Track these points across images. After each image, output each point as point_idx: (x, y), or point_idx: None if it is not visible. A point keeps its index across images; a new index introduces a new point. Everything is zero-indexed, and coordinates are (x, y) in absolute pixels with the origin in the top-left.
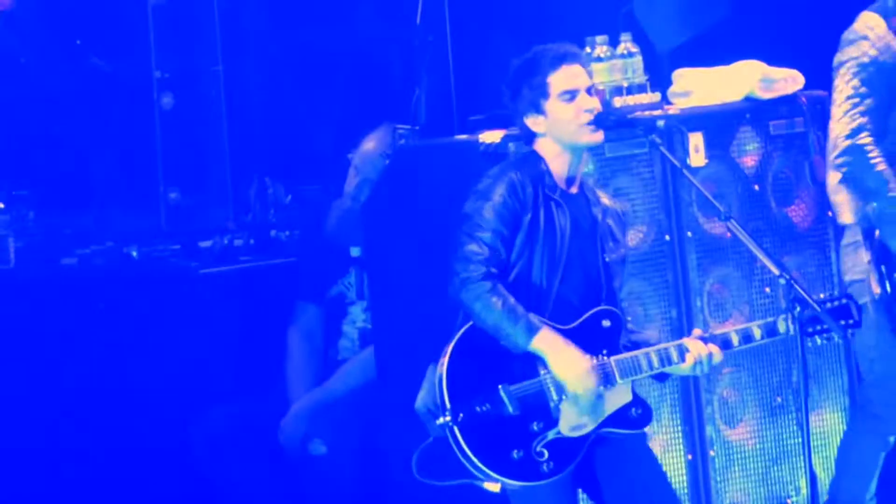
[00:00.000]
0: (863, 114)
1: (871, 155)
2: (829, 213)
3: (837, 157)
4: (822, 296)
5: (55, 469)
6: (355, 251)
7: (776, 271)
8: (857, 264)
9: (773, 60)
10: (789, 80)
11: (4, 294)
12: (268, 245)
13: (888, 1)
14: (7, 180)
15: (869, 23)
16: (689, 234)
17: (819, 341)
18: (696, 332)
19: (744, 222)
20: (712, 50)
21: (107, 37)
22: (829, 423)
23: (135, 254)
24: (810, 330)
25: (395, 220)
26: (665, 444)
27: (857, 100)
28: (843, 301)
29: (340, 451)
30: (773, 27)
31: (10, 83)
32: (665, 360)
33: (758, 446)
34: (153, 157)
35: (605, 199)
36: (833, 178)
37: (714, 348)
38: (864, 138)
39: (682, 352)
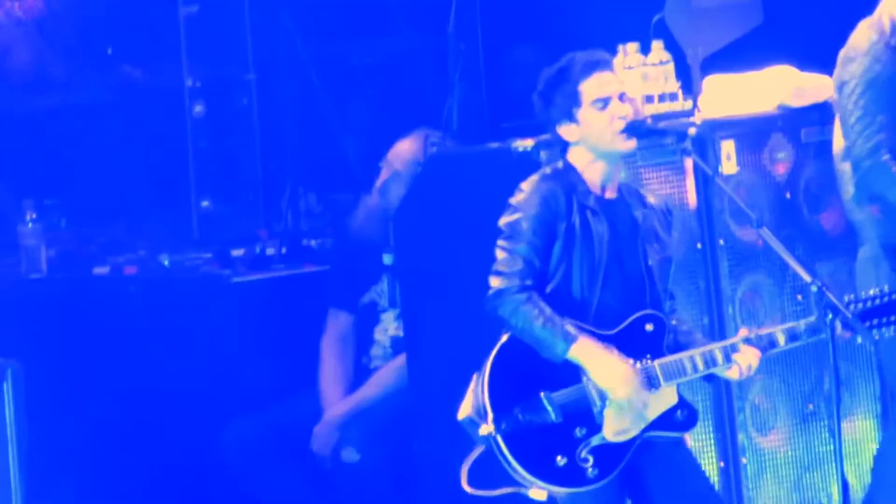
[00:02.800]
0: (877, 131)
1: (893, 171)
2: None
3: (861, 178)
4: (871, 292)
5: (91, 475)
6: (388, 259)
7: (808, 279)
8: (879, 279)
9: (804, 67)
10: (821, 87)
11: (37, 303)
12: (300, 253)
13: (882, 17)
14: (39, 189)
15: (870, 37)
16: (721, 241)
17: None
18: (743, 331)
19: (776, 230)
20: (744, 56)
21: (138, 46)
22: (861, 430)
23: (167, 262)
24: (875, 322)
25: (428, 227)
26: (697, 451)
27: (868, 119)
28: (894, 296)
29: (373, 458)
30: (804, 33)
31: (43, 92)
32: (710, 361)
33: (790, 453)
34: (185, 166)
35: (651, 198)
36: (853, 197)
37: (755, 352)
38: (884, 156)
39: (727, 353)
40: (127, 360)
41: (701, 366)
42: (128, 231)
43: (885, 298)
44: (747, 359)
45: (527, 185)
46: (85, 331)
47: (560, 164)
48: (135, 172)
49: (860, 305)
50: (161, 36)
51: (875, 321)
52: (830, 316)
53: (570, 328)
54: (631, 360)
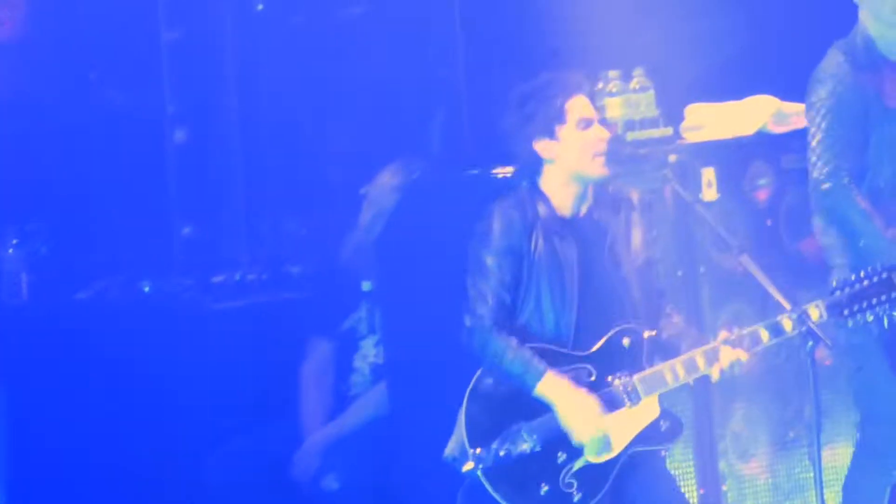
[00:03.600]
0: (837, 154)
1: (852, 194)
2: None
3: (821, 200)
4: (861, 273)
5: (71, 502)
6: (367, 286)
7: (788, 307)
8: None
9: (785, 95)
10: (801, 114)
11: (18, 329)
12: (281, 280)
13: (856, 37)
14: (20, 214)
15: (836, 59)
16: (702, 269)
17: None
18: (723, 334)
19: (756, 257)
20: (725, 84)
21: (121, 71)
22: (841, 458)
23: (147, 289)
24: (854, 309)
25: (408, 254)
26: (678, 478)
27: (829, 141)
28: (885, 275)
29: (353, 486)
30: (785, 61)
31: (25, 117)
32: (691, 369)
33: (770, 481)
34: (166, 192)
35: (624, 196)
36: (819, 221)
37: (741, 352)
38: (844, 178)
39: (709, 358)
40: (107, 386)
41: (682, 374)
42: (109, 257)
43: (875, 278)
44: (728, 357)
45: (489, 214)
46: (66, 357)
47: (524, 187)
48: (116, 198)
49: (848, 289)
50: (143, 61)
51: (866, 303)
52: (811, 343)
53: (538, 364)
54: (610, 378)
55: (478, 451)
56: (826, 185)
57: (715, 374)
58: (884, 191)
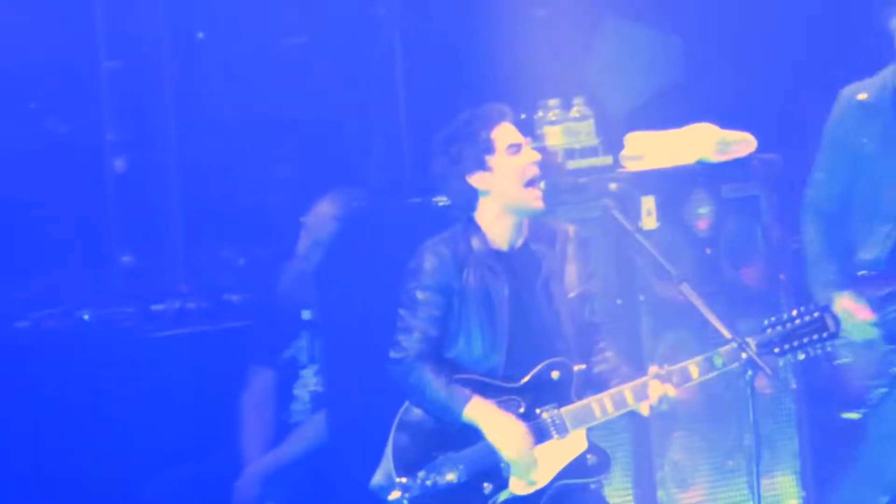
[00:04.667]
0: (815, 184)
1: (811, 224)
2: (781, 277)
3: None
4: (794, 312)
5: None
6: (307, 314)
7: (728, 335)
8: None
9: (726, 123)
10: (742, 143)
11: None
12: (220, 308)
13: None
14: None
15: (845, 94)
16: (642, 297)
17: (791, 359)
18: (653, 369)
19: (696, 286)
20: (665, 113)
21: (61, 100)
22: (780, 487)
23: (87, 317)
24: (786, 347)
25: (348, 282)
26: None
27: (816, 170)
28: (817, 314)
29: None
30: (725, 90)
31: None
32: (620, 403)
33: None
34: (105, 220)
35: (560, 229)
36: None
37: (669, 387)
38: (810, 210)
39: (637, 393)
40: (47, 415)
41: (611, 409)
42: (49, 286)
43: (807, 317)
44: (656, 391)
45: (420, 250)
46: (5, 386)
47: (460, 224)
48: (56, 227)
49: (780, 328)
50: (83, 90)
51: (797, 342)
52: (750, 373)
53: (462, 391)
54: (538, 410)
55: (404, 480)
56: (806, 198)
57: (644, 410)
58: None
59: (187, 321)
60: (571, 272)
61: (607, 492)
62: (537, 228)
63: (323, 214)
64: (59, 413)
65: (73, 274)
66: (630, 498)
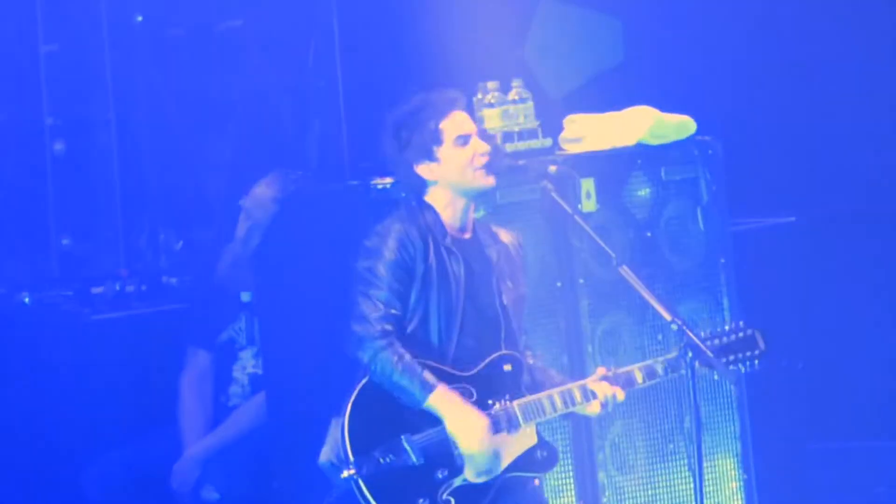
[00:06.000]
0: None
1: None
2: (722, 260)
3: None
4: (727, 327)
5: None
6: (246, 296)
7: (668, 317)
8: None
9: (665, 106)
10: (681, 126)
11: None
12: (159, 291)
13: None
14: None
15: None
16: (581, 280)
17: (742, 369)
18: (600, 370)
19: (636, 268)
20: (604, 95)
21: None
22: (721, 469)
23: (27, 300)
24: (723, 361)
25: (286, 265)
26: (556, 490)
27: None
28: (749, 332)
29: (232, 497)
30: (665, 73)
31: None
32: (569, 401)
33: (650, 492)
34: (45, 203)
35: (503, 236)
36: None
37: (617, 389)
38: None
39: (586, 392)
40: None
41: (560, 405)
42: None
43: (741, 334)
44: (605, 392)
45: (382, 228)
46: None
47: (415, 203)
48: None
49: (717, 341)
50: (21, 74)
51: (732, 357)
52: (691, 354)
53: (428, 377)
54: (484, 411)
55: (357, 459)
56: None
57: (593, 410)
58: None
59: (126, 304)
60: (514, 274)
61: (547, 473)
62: (483, 229)
63: (261, 196)
64: None
65: (12, 256)
66: (571, 480)
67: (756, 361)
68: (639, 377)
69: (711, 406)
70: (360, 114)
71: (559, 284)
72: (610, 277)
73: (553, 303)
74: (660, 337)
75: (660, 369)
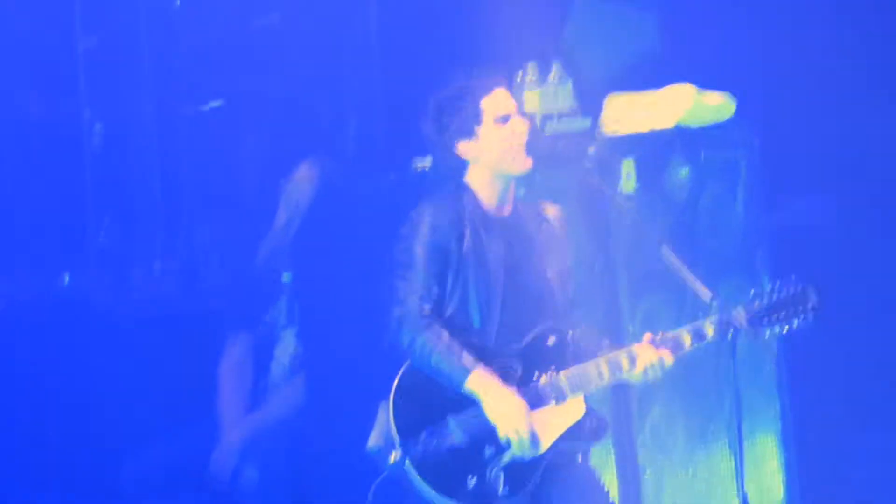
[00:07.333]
0: None
1: None
2: (761, 241)
3: None
4: (777, 283)
5: None
6: (286, 277)
7: (708, 297)
8: None
9: (705, 84)
10: (720, 107)
11: None
12: (199, 272)
13: None
14: None
15: None
16: (620, 261)
17: (778, 330)
18: (647, 336)
19: (675, 249)
20: (643, 77)
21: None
22: (761, 450)
23: (67, 280)
24: (765, 321)
25: (327, 248)
26: (598, 469)
27: None
28: (800, 287)
29: (272, 479)
30: (705, 53)
31: None
32: (616, 369)
33: (690, 471)
34: (84, 196)
35: (549, 210)
36: None
37: (665, 352)
38: None
39: (633, 358)
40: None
41: (607, 374)
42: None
43: (792, 289)
44: (651, 357)
45: (417, 214)
46: None
47: (452, 186)
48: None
49: (767, 299)
50: (60, 68)
51: (784, 313)
52: (731, 334)
53: (467, 359)
54: (536, 375)
55: (404, 442)
56: None
57: (638, 375)
58: None
59: (166, 285)
60: (557, 249)
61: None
62: (524, 205)
63: (301, 180)
64: (37, 378)
65: (52, 246)
66: (612, 459)
67: (809, 316)
68: (687, 340)
69: (752, 387)
70: (397, 99)
71: (597, 266)
72: (650, 258)
73: (592, 284)
74: (700, 315)
75: (710, 330)
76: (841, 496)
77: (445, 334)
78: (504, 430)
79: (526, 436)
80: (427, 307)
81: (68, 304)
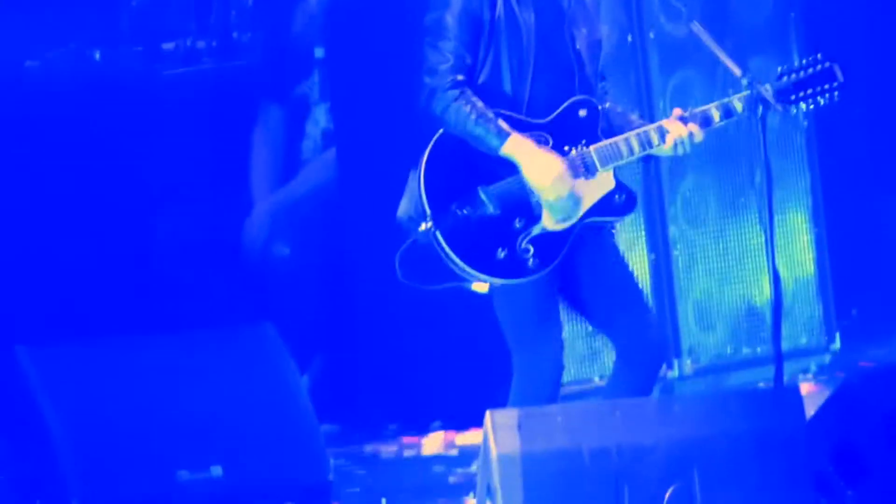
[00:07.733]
0: None
1: None
2: (792, 15)
3: None
4: (803, 61)
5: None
6: (319, 52)
7: (737, 72)
8: None
9: None
10: None
11: None
12: (231, 47)
13: None
14: None
15: None
16: (651, 34)
17: (804, 107)
18: (677, 111)
19: (706, 23)
20: None
21: None
22: (791, 223)
23: (98, 56)
24: (793, 98)
25: (359, 21)
26: (628, 243)
27: None
28: (827, 65)
29: (303, 251)
30: None
31: None
32: (646, 143)
33: (721, 246)
34: None
35: None
36: None
37: (694, 127)
38: None
39: (663, 133)
40: (57, 153)
41: (637, 148)
42: (59, 24)
43: (819, 66)
44: (680, 131)
45: None
46: (15, 125)
47: None
48: None
49: (794, 76)
50: None
51: (810, 90)
52: (762, 109)
53: (503, 124)
54: (562, 156)
55: (434, 212)
56: None
57: (667, 149)
58: None
59: (197, 60)
60: (588, 19)
61: (618, 228)
62: None
63: None
64: (68, 151)
65: (83, 14)
66: (642, 234)
67: (836, 94)
68: (716, 115)
69: (782, 160)
70: None
71: (630, 39)
72: (680, 32)
73: (624, 57)
74: (730, 92)
75: (738, 106)
76: (870, 272)
77: (480, 101)
78: (542, 188)
79: (564, 195)
80: (460, 76)
81: (100, 76)
